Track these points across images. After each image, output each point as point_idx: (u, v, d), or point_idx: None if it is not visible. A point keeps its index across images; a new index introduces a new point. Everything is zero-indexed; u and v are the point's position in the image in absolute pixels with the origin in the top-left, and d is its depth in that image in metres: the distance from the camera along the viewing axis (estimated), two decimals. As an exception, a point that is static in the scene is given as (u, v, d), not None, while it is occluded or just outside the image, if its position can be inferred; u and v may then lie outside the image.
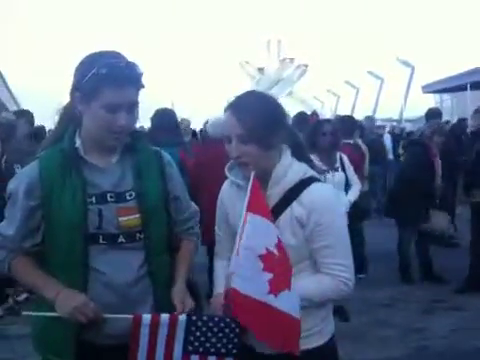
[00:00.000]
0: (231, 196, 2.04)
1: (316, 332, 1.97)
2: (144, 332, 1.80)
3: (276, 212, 1.90)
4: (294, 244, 1.89)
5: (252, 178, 1.80)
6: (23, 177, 1.88)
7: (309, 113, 6.85)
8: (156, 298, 1.92)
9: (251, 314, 1.83)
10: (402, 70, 26.53)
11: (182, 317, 1.81)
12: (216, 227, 2.13)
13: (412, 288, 5.67)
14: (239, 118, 1.86)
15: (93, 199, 1.84)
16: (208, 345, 1.83)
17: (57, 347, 1.89)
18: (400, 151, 10.23)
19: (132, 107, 1.83)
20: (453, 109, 24.41)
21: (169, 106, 7.21)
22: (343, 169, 4.94)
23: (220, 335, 1.83)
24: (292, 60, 39.71)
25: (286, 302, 1.82)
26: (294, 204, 1.89)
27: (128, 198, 1.87)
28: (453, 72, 21.45)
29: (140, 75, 1.84)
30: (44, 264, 1.91)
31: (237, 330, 1.84)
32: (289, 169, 1.93)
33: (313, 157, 4.58)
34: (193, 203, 2.16)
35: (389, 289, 5.66)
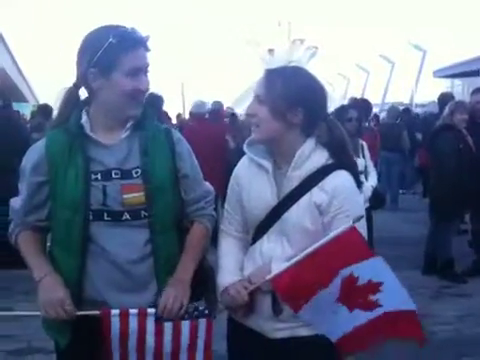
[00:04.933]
0: (249, 175, 2.02)
1: None
2: (115, 321, 1.84)
3: (295, 195, 1.89)
4: (311, 229, 1.89)
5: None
6: (31, 155, 1.93)
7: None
8: (158, 279, 1.91)
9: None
10: (414, 54, 26.23)
11: (151, 310, 1.86)
12: (226, 204, 2.12)
13: (419, 274, 5.67)
14: (267, 80, 1.89)
15: (98, 176, 1.86)
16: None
17: (57, 325, 1.92)
18: (418, 136, 9.89)
19: (147, 69, 1.89)
20: (464, 94, 24.16)
21: (179, 87, 7.56)
22: (363, 156, 4.95)
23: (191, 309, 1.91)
24: (302, 41, 39.28)
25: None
26: (315, 189, 1.88)
27: (134, 175, 1.88)
28: (465, 57, 21.20)
29: (147, 37, 1.88)
30: (50, 241, 1.97)
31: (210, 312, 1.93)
32: (313, 153, 1.92)
33: None
34: (207, 183, 2.12)
35: (396, 275, 5.59)
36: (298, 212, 1.87)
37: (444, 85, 26.88)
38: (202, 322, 1.92)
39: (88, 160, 1.86)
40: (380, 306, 1.85)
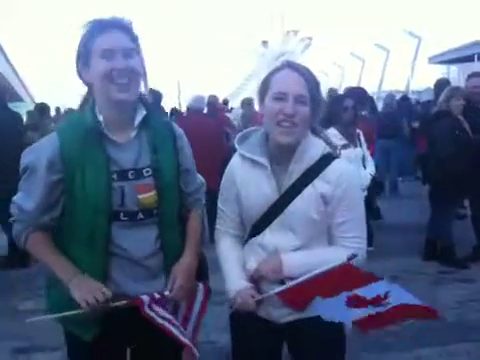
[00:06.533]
0: (244, 172, 2.03)
1: None
2: (155, 308, 1.91)
3: (298, 187, 1.92)
4: (317, 219, 1.92)
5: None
6: (43, 151, 1.87)
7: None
8: (167, 271, 1.98)
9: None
10: (409, 41, 26.15)
11: (167, 293, 1.95)
12: (220, 203, 2.13)
13: (420, 260, 5.68)
14: (305, 78, 1.89)
15: (114, 176, 1.87)
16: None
17: (81, 321, 1.90)
18: (415, 125, 9.76)
19: (128, 52, 1.84)
20: (460, 80, 24.13)
21: (175, 85, 7.59)
22: (360, 144, 4.96)
23: None
24: (296, 32, 39.21)
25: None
26: (318, 181, 1.91)
27: (145, 175, 1.90)
28: (460, 43, 21.16)
29: (126, 22, 1.87)
30: (61, 238, 1.94)
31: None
32: (311, 145, 1.95)
33: (334, 131, 4.69)
34: (199, 175, 2.18)
35: (396, 261, 5.65)
36: (303, 203, 1.90)
37: (440, 71, 26.83)
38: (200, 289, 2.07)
39: (108, 160, 1.86)
40: (389, 303, 1.88)
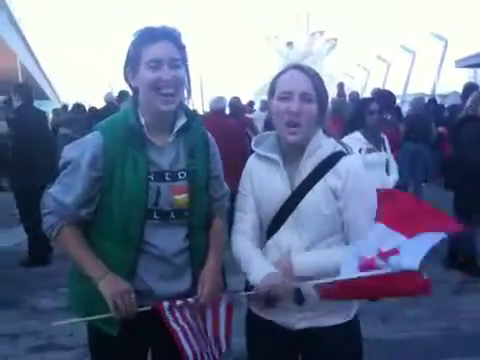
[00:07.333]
0: (259, 171, 2.06)
1: (347, 306, 2.01)
2: (175, 314, 1.94)
3: (310, 182, 1.93)
4: (329, 214, 1.92)
5: None
6: (86, 147, 1.93)
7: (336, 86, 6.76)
8: (193, 269, 2.05)
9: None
10: (435, 44, 25.80)
11: (191, 300, 1.97)
12: (239, 201, 2.13)
13: (442, 268, 5.58)
14: (311, 77, 1.92)
15: (152, 176, 1.93)
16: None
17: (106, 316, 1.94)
18: (441, 129, 9.51)
19: (174, 62, 1.91)
20: (487, 84, 23.69)
21: (198, 83, 7.56)
22: (384, 149, 4.91)
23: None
24: (322, 33, 38.99)
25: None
26: (329, 175, 1.93)
27: (180, 177, 1.98)
28: (488, 46, 20.80)
29: (175, 32, 1.94)
30: (92, 232, 1.99)
31: None
32: (322, 142, 1.98)
33: (358, 135, 4.64)
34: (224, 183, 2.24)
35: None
36: (314, 198, 1.92)
37: (467, 75, 26.44)
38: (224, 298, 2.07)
39: (148, 160, 1.93)
40: (389, 265, 1.83)
